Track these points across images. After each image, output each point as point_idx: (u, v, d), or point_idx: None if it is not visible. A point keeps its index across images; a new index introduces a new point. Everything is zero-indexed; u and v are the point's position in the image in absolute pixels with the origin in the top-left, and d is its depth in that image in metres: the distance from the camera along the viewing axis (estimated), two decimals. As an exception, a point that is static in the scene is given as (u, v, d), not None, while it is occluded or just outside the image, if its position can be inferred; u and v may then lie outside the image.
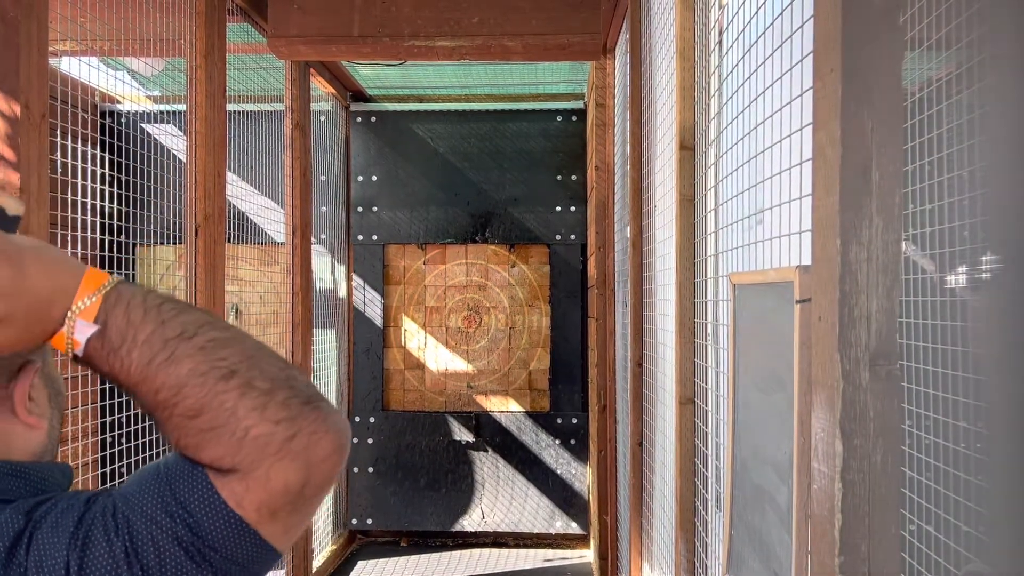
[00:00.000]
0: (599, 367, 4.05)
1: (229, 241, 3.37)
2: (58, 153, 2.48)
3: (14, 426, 0.75)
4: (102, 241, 4.65)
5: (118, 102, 5.05)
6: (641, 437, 2.97)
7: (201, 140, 2.93)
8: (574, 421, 4.95)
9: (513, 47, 3.27)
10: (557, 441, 4.95)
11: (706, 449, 1.84)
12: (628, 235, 3.03)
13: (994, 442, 0.85)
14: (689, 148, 1.90)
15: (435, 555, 4.84)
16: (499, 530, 4.97)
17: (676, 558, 1.98)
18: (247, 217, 4.53)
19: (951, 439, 0.90)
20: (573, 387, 4.97)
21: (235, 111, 3.95)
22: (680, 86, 1.89)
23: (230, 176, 3.40)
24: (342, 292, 4.99)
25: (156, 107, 5.06)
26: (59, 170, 2.54)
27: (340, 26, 3.28)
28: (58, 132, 2.45)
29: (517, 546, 4.99)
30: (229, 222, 3.37)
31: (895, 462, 0.90)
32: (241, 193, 4.25)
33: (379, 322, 5.04)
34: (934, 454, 0.92)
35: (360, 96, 5.06)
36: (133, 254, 5.07)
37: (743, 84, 1.58)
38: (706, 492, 1.83)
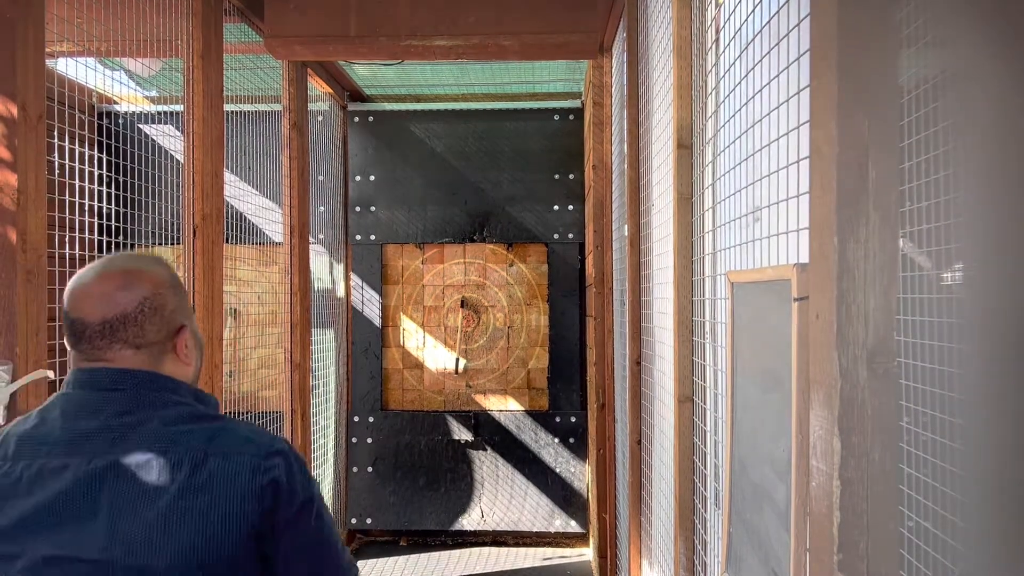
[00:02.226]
0: (598, 366, 4.05)
1: (227, 241, 3.37)
2: (55, 154, 2.48)
3: (177, 364, 1.23)
4: (100, 242, 4.65)
5: (115, 103, 5.05)
6: (640, 435, 2.98)
7: (198, 140, 2.93)
8: (573, 420, 4.96)
9: (510, 46, 3.27)
10: (556, 440, 4.95)
11: (704, 447, 1.84)
12: (626, 234, 3.03)
13: (989, 438, 0.85)
14: (686, 146, 1.91)
15: (435, 554, 4.84)
16: (498, 529, 4.97)
17: (675, 556, 1.98)
18: (245, 217, 4.53)
19: (948, 436, 0.90)
20: (572, 386, 4.97)
21: (232, 111, 3.95)
22: (677, 84, 1.89)
23: (228, 176, 3.40)
24: (340, 292, 4.99)
25: (153, 108, 5.06)
26: (56, 171, 2.54)
27: (337, 26, 3.28)
28: (55, 133, 2.45)
29: (516, 545, 4.99)
30: (227, 222, 3.37)
31: (893, 459, 0.90)
32: (239, 193, 4.25)
33: (377, 322, 5.04)
34: (932, 451, 0.93)
35: (357, 96, 5.06)
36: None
37: (740, 82, 1.58)
38: (704, 490, 1.83)
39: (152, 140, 4.92)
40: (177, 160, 4.56)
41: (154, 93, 5.12)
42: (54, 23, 2.41)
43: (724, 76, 1.80)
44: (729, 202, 1.69)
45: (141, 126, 4.96)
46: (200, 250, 2.92)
